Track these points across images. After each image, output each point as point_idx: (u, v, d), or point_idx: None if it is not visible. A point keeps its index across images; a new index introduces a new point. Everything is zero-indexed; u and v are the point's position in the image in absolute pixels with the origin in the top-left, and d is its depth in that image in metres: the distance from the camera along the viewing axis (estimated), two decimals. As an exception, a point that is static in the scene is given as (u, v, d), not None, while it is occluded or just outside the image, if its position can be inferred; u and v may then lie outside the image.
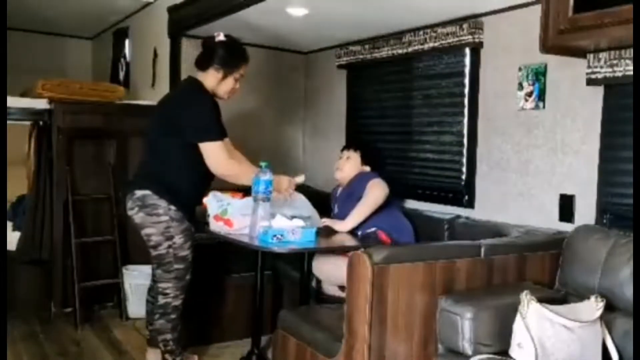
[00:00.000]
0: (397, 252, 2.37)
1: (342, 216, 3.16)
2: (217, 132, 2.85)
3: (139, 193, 2.84)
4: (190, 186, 2.88)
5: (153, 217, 2.81)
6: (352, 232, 3.08)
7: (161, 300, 2.90)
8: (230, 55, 2.92)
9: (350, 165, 3.37)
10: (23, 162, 4.19)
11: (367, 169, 3.35)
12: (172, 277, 2.87)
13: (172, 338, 2.94)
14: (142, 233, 2.87)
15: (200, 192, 2.98)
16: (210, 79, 2.92)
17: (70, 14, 5.19)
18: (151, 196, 2.81)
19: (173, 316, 2.92)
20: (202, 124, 2.81)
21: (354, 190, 3.22)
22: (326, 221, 3.12)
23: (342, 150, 3.50)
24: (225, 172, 2.86)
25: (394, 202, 3.28)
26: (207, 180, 2.98)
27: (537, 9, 2.58)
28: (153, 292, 3.12)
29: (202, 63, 2.95)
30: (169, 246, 2.83)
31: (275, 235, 2.63)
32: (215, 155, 2.81)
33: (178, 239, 2.84)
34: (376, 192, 3.11)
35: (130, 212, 2.88)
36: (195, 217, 2.98)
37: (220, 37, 2.95)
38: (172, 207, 2.81)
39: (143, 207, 2.82)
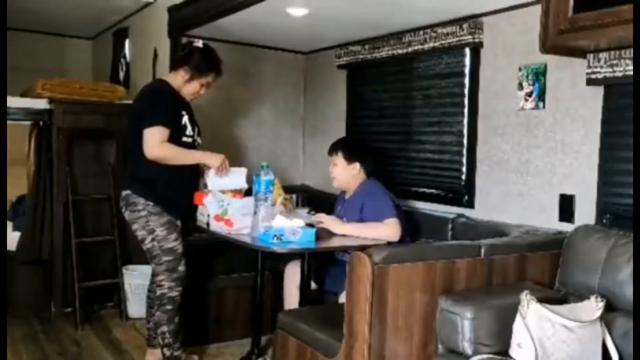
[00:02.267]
0: (397, 252, 2.37)
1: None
2: (158, 119, 2.89)
3: (124, 193, 3.01)
4: (163, 180, 2.95)
5: (135, 213, 2.96)
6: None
7: (158, 292, 3.00)
8: (202, 60, 3.06)
9: (339, 170, 3.25)
10: (23, 162, 4.19)
11: (357, 166, 3.20)
12: (164, 269, 2.97)
13: (168, 330, 2.97)
14: (132, 229, 3.03)
15: (179, 185, 3.00)
16: (177, 78, 3.06)
17: (70, 14, 5.19)
18: (131, 195, 2.97)
19: (169, 307, 2.96)
20: (148, 112, 2.92)
21: (357, 202, 3.13)
22: (322, 216, 3.07)
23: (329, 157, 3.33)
24: (157, 154, 2.89)
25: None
26: (183, 173, 2.99)
27: (537, 9, 2.59)
28: (151, 287, 3.20)
29: (175, 63, 3.15)
30: (153, 239, 2.95)
31: (275, 235, 2.64)
32: (148, 138, 2.87)
33: (160, 232, 2.95)
34: (386, 233, 2.92)
35: (122, 211, 3.06)
36: (180, 211, 3.02)
37: (199, 44, 3.13)
38: (150, 203, 2.94)
39: (127, 206, 3.00)
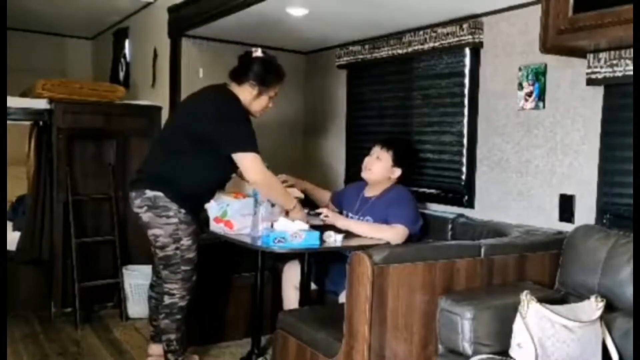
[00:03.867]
0: (397, 252, 2.37)
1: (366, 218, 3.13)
2: (252, 144, 2.80)
3: (150, 193, 2.81)
4: (203, 193, 2.90)
5: (162, 218, 2.80)
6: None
7: (167, 300, 2.91)
8: (267, 72, 2.91)
9: (379, 166, 3.18)
10: (23, 162, 4.20)
11: (397, 172, 3.18)
12: (179, 279, 2.89)
13: (175, 338, 2.95)
14: (149, 233, 2.86)
15: (209, 196, 2.96)
16: (245, 94, 2.91)
17: (70, 14, 5.18)
18: (163, 198, 2.79)
19: (178, 316, 2.93)
20: (242, 136, 2.79)
21: (385, 204, 3.10)
22: (328, 213, 3.06)
23: (375, 145, 3.25)
24: (262, 181, 2.81)
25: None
26: (220, 188, 3.00)
27: (537, 9, 2.59)
28: (157, 289, 3.14)
29: (239, 76, 2.94)
30: (177, 248, 2.84)
31: (276, 238, 2.63)
32: (251, 164, 2.77)
33: (186, 241, 2.85)
34: (389, 236, 2.91)
35: (137, 210, 2.86)
36: (201, 219, 3.00)
37: (258, 53, 2.96)
38: (183, 210, 2.81)
39: (153, 208, 2.81)
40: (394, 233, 2.93)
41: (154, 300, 3.20)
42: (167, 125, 3.05)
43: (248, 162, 2.79)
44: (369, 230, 2.97)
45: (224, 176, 2.99)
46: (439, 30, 3.42)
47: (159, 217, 2.80)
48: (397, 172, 3.20)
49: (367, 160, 3.24)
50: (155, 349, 3.20)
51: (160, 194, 2.79)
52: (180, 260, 2.86)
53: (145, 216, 2.83)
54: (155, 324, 3.18)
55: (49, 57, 5.80)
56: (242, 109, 2.90)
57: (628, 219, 2.57)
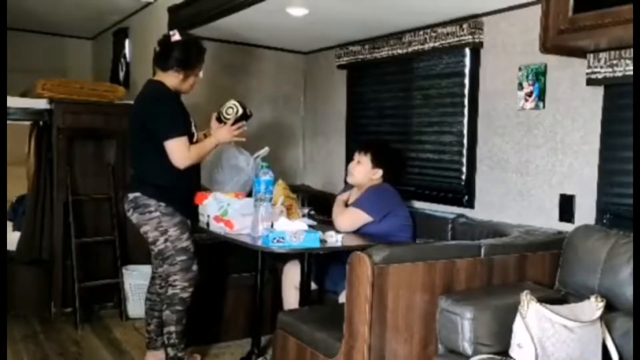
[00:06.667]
0: (397, 252, 2.37)
1: None
2: (177, 130, 2.91)
3: (131, 196, 2.99)
4: (174, 182, 2.97)
5: (146, 215, 2.95)
6: None
7: (170, 291, 3.00)
8: (188, 56, 3.00)
9: (359, 169, 3.26)
10: (23, 162, 4.20)
11: (379, 173, 3.24)
12: (179, 269, 2.97)
13: (175, 330, 2.98)
14: (141, 232, 3.01)
15: (188, 185, 3.04)
16: (171, 79, 3.01)
17: (70, 14, 5.19)
18: (141, 197, 2.95)
19: (179, 307, 2.97)
20: (163, 124, 2.91)
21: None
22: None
23: (356, 151, 3.35)
24: (189, 162, 2.94)
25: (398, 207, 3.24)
26: (191, 172, 3.04)
27: (537, 9, 2.59)
28: (152, 289, 3.22)
29: (162, 64, 3.02)
30: (166, 240, 2.95)
31: (275, 238, 2.63)
32: (175, 151, 2.89)
33: (173, 232, 2.95)
34: (342, 222, 3.12)
35: (128, 215, 3.04)
36: (190, 211, 3.05)
37: (176, 36, 3.02)
38: (162, 204, 2.94)
39: (136, 208, 2.97)
40: (344, 218, 3.12)
41: (149, 302, 3.24)
42: (129, 131, 3.15)
43: (170, 152, 2.89)
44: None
45: None
46: (439, 30, 3.42)
47: (142, 214, 2.95)
48: (378, 172, 3.25)
49: (350, 165, 3.34)
50: (152, 357, 3.21)
51: (138, 194, 2.97)
52: (174, 252, 2.95)
53: (133, 217, 3.00)
54: (149, 329, 3.22)
55: (49, 57, 5.80)
56: (167, 95, 2.98)
57: (628, 219, 2.57)
